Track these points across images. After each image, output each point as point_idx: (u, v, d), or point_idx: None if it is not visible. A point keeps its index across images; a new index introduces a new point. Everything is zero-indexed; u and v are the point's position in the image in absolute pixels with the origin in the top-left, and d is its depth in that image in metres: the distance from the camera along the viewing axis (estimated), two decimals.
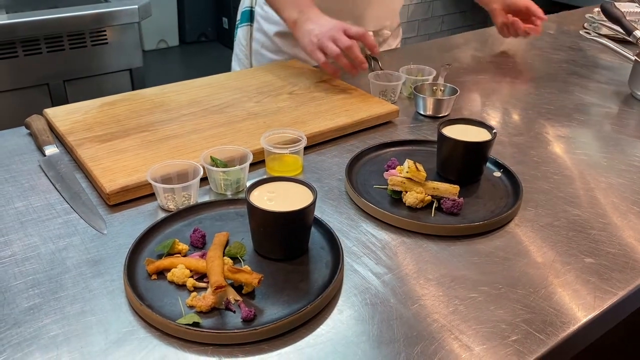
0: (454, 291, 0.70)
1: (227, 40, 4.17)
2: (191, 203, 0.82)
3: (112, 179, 0.84)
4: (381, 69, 1.35)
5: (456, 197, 0.83)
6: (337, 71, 1.19)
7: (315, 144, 1.02)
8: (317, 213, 0.79)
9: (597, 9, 1.81)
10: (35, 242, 0.76)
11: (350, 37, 1.13)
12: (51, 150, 0.95)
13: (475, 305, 0.68)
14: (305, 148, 0.94)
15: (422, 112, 1.16)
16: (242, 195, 0.86)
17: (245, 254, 0.73)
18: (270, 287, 0.68)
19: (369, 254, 0.76)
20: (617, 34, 1.67)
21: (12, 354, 0.59)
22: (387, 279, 0.71)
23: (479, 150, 0.87)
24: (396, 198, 0.85)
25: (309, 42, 1.15)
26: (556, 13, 2.11)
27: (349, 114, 1.08)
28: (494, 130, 0.89)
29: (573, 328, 0.65)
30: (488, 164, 0.93)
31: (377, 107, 1.11)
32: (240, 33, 1.53)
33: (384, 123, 1.12)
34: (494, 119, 1.18)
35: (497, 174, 0.92)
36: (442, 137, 0.88)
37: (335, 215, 0.84)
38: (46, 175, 0.90)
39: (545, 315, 0.67)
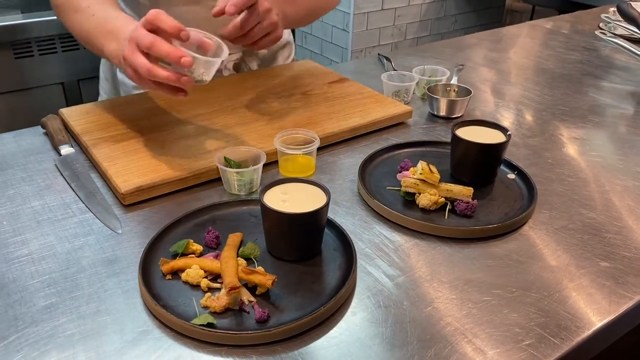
0: (467, 294, 0.70)
1: None
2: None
3: (127, 179, 0.84)
4: (394, 69, 1.35)
5: (470, 199, 0.82)
6: (174, 90, 0.83)
7: (328, 145, 1.02)
8: (330, 214, 0.79)
9: (612, 9, 1.79)
10: (51, 241, 0.76)
11: (153, 31, 0.79)
12: (67, 149, 0.96)
13: (489, 309, 0.68)
14: (318, 149, 0.95)
15: (435, 113, 1.15)
16: (255, 196, 0.87)
17: (259, 255, 0.73)
18: (284, 289, 0.68)
19: (382, 255, 0.76)
20: (633, 35, 1.65)
21: (30, 352, 0.60)
22: (400, 281, 0.71)
23: (493, 152, 0.87)
24: (409, 200, 0.85)
25: (122, 66, 0.84)
26: (571, 13, 2.10)
27: (362, 114, 1.08)
28: (509, 132, 0.89)
29: (588, 333, 0.65)
30: (502, 166, 0.93)
31: (391, 107, 1.11)
32: (103, 61, 1.35)
33: (396, 124, 1.12)
34: (507, 120, 1.17)
35: (511, 175, 0.92)
36: (456, 138, 0.88)
37: (348, 217, 0.84)
38: (62, 175, 0.91)
39: (559, 319, 0.66)
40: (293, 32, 1.19)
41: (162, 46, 0.77)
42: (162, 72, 0.78)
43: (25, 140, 1.01)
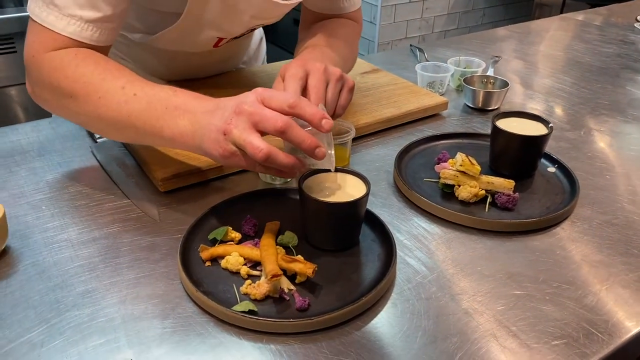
0: (509, 288, 0.68)
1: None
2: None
3: (164, 166, 0.84)
4: (427, 60, 1.33)
5: (511, 192, 0.81)
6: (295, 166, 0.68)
7: (362, 136, 1.01)
8: (367, 205, 0.78)
9: None
10: (90, 226, 0.77)
11: (275, 108, 0.67)
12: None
13: (532, 303, 0.66)
14: (352, 139, 0.93)
15: (471, 105, 1.13)
16: (289, 186, 0.86)
17: (296, 243, 0.72)
18: (323, 278, 0.67)
19: (421, 247, 0.75)
20: None
21: (72, 335, 0.60)
22: (440, 274, 0.70)
23: (535, 145, 0.85)
24: (447, 192, 0.83)
25: (215, 143, 0.68)
26: (604, 5, 2.05)
27: (396, 105, 1.07)
28: (551, 124, 0.87)
29: (638, 330, 0.63)
30: (542, 159, 0.91)
31: (425, 98, 1.09)
32: None
33: (430, 115, 1.10)
34: (543, 113, 1.15)
35: (552, 169, 0.90)
36: (496, 130, 0.86)
37: (385, 208, 0.83)
38: (98, 161, 0.91)
39: (606, 315, 0.65)
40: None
41: (298, 131, 0.66)
42: (285, 159, 0.66)
43: (61, 126, 1.02)
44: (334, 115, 0.83)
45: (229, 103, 0.69)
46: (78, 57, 0.76)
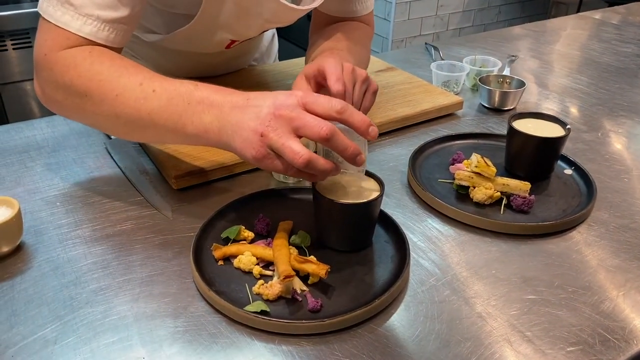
0: (524, 292, 0.68)
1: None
2: None
3: (178, 164, 0.84)
4: (442, 59, 1.32)
5: (527, 195, 0.80)
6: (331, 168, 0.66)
7: None
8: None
9: None
10: (103, 223, 0.77)
11: (320, 113, 0.65)
12: None
13: (547, 308, 0.65)
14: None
15: (486, 105, 1.12)
16: (302, 184, 0.85)
17: (309, 244, 0.72)
18: (335, 279, 0.67)
19: (435, 249, 0.74)
20: None
21: (85, 332, 0.60)
22: (454, 277, 0.70)
23: (552, 147, 0.84)
24: (463, 193, 0.82)
25: (248, 144, 0.65)
26: (622, 5, 2.02)
27: (411, 104, 1.06)
28: (568, 126, 0.86)
29: None
30: (558, 161, 0.89)
31: (441, 98, 1.08)
32: None
33: (445, 115, 1.09)
34: (559, 114, 1.14)
35: (568, 171, 0.89)
36: (513, 131, 0.85)
37: (398, 209, 0.82)
38: (112, 158, 0.92)
39: (623, 321, 0.64)
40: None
41: (343, 138, 0.64)
42: (324, 165, 0.64)
43: (76, 122, 1.01)
44: None
45: (264, 102, 0.65)
46: (93, 54, 0.74)
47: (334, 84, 0.76)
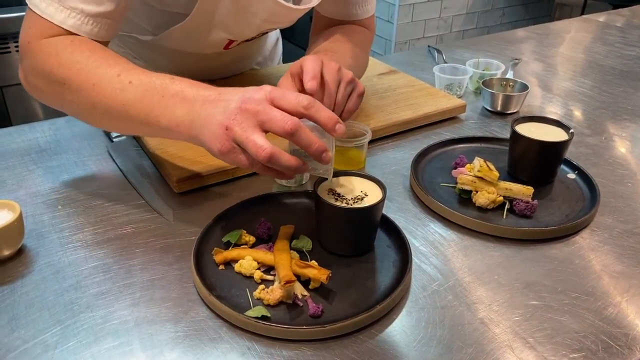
0: (526, 298, 0.67)
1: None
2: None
3: (180, 167, 0.84)
4: (445, 62, 1.32)
5: (530, 199, 0.79)
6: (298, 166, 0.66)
7: (378, 139, 1.00)
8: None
9: None
10: (104, 227, 0.77)
11: (286, 108, 0.65)
12: (119, 136, 0.96)
13: (550, 314, 0.65)
14: (368, 142, 0.93)
15: (489, 108, 1.12)
16: (305, 188, 0.85)
17: (311, 248, 0.72)
18: (337, 284, 0.67)
19: (437, 254, 0.74)
20: None
21: (85, 337, 0.60)
22: (456, 282, 0.69)
23: (555, 151, 0.83)
24: (465, 197, 0.82)
25: (214, 137, 0.65)
26: (627, 7, 2.01)
27: (413, 107, 1.06)
28: (571, 130, 0.85)
29: None
30: (561, 165, 0.89)
31: (443, 101, 1.08)
32: None
33: (448, 118, 1.09)
34: (562, 118, 1.13)
35: (572, 175, 0.88)
36: (515, 135, 0.85)
37: (400, 213, 0.82)
38: (114, 161, 0.92)
39: (626, 328, 0.63)
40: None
41: (308, 134, 0.64)
42: (288, 160, 0.64)
43: (78, 126, 1.02)
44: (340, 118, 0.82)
45: (233, 96, 0.66)
46: (74, 44, 0.75)
47: (308, 82, 0.76)
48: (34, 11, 0.75)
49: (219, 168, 0.84)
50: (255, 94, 0.65)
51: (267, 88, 0.66)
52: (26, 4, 0.77)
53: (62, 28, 0.75)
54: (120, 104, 0.71)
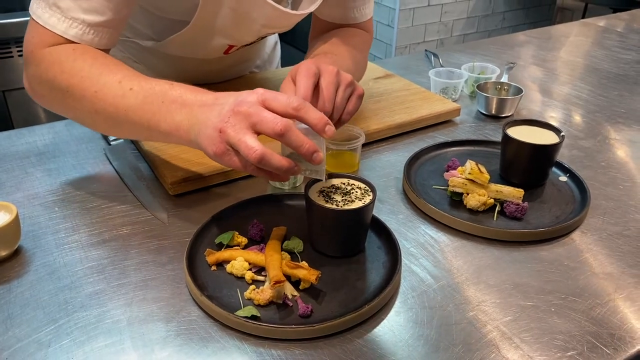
0: (515, 298, 0.68)
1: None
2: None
3: (174, 170, 0.85)
4: (441, 66, 1.33)
5: (520, 201, 0.80)
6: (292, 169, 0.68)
7: (372, 142, 1.01)
8: (374, 212, 0.78)
9: None
10: (100, 228, 0.78)
11: (277, 110, 0.66)
12: (116, 139, 0.97)
13: (537, 314, 0.66)
14: (362, 145, 0.93)
15: (484, 112, 1.13)
16: (298, 190, 0.86)
17: (302, 249, 0.73)
18: (327, 285, 0.68)
19: (427, 256, 0.75)
20: None
21: (79, 336, 0.61)
22: (445, 283, 0.70)
23: (546, 154, 0.84)
24: (456, 200, 0.83)
25: (210, 140, 0.67)
26: (627, 11, 2.02)
27: (408, 111, 1.07)
28: (562, 133, 0.86)
29: None
30: (553, 168, 0.90)
31: (438, 104, 1.09)
32: None
33: (443, 122, 1.10)
34: (557, 121, 1.14)
35: (563, 178, 0.89)
36: (507, 138, 0.86)
37: (392, 215, 0.83)
38: (111, 164, 0.93)
39: (612, 329, 0.64)
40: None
41: (298, 134, 0.65)
42: (279, 161, 0.65)
43: (76, 128, 1.03)
44: (339, 121, 0.83)
45: (228, 99, 0.68)
46: (76, 52, 0.77)
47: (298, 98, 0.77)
48: (36, 21, 0.77)
49: (213, 170, 0.86)
50: (248, 97, 0.67)
51: (259, 91, 0.68)
52: (28, 9, 0.79)
53: (65, 38, 0.77)
54: (122, 110, 0.73)
